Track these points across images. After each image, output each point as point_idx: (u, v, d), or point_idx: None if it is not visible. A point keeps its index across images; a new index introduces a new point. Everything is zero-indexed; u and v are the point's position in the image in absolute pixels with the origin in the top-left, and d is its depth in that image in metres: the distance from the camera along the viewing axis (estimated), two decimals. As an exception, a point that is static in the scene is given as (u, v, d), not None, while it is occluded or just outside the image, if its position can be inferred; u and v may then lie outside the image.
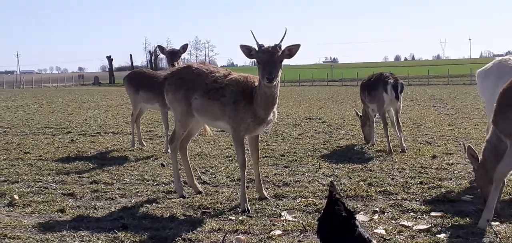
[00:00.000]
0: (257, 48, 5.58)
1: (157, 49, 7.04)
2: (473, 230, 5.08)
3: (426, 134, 12.43)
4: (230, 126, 6.07)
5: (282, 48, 5.53)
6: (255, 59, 5.69)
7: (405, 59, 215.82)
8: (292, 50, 5.57)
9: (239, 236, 4.94)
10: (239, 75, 6.19)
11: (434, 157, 9.17)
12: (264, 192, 6.50)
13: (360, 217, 5.53)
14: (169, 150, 8.25)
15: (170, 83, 6.59)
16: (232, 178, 7.58)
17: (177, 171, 6.75)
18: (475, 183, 6.22)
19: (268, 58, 5.46)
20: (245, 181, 6.11)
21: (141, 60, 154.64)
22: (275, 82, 5.48)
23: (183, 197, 6.54)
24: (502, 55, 7.75)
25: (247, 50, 5.69)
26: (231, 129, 6.07)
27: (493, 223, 5.19)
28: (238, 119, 5.92)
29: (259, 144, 6.46)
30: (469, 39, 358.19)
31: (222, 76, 6.20)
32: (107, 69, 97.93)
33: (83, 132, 13.60)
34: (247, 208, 5.87)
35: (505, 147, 5.15)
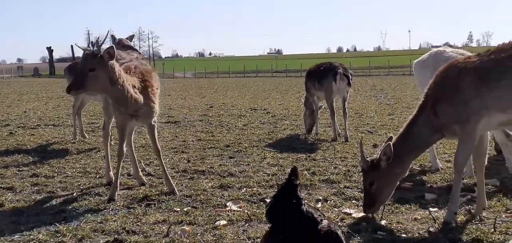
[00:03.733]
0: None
1: (110, 39, 6.79)
2: (413, 216, 5.25)
3: (367, 123, 12.73)
4: None
5: (101, 51, 5.61)
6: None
7: (347, 50, 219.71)
8: (110, 52, 5.64)
9: (184, 228, 4.91)
10: (125, 66, 6.18)
11: (375, 145, 9.40)
12: (142, 176, 6.77)
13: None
14: (112, 142, 8.15)
15: None
16: (177, 169, 7.54)
17: (108, 157, 6.95)
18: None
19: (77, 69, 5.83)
20: (119, 169, 6.27)
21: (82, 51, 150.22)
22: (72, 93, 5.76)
23: (109, 184, 6.60)
24: (439, 46, 8.02)
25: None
26: None
27: (431, 209, 5.37)
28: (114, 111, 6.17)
29: (156, 137, 6.41)
30: (409, 31, 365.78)
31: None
32: (47, 61, 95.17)
33: (22, 125, 13.19)
34: (114, 195, 6.02)
35: (436, 138, 5.26)
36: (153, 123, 6.31)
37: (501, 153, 7.38)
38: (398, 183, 5.31)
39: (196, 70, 77.12)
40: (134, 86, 5.91)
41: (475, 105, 4.77)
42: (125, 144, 6.28)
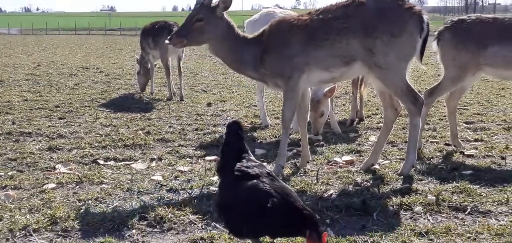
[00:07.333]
0: None
1: None
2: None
3: (202, 83, 12.91)
4: None
5: None
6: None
7: (183, 9, 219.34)
8: None
9: (8, 192, 4.62)
10: None
11: (209, 104, 9.58)
12: None
13: (138, 165, 5.59)
14: None
15: None
16: (0, 132, 7.04)
17: None
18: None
19: None
20: None
21: None
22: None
23: None
24: (270, 7, 8.41)
25: None
26: None
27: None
28: None
29: None
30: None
31: None
32: None
33: None
34: None
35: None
36: None
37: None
38: None
39: (22, 27, 72.13)
40: None
41: (299, 62, 5.03)
42: None
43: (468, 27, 5.90)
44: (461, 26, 5.96)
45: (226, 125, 3.45)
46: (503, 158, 5.79)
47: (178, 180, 5.10)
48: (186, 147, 6.48)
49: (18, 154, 5.93)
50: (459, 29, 5.94)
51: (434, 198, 4.40)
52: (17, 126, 7.45)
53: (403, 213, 4.21)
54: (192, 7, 5.22)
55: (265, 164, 5.35)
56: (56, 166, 5.52)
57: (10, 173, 5.25)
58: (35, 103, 9.46)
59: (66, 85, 12.02)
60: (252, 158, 3.33)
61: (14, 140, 6.71)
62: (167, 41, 5.16)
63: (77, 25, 72.47)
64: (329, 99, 6.82)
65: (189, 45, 5.36)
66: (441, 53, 6.03)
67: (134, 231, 3.88)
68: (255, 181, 3.10)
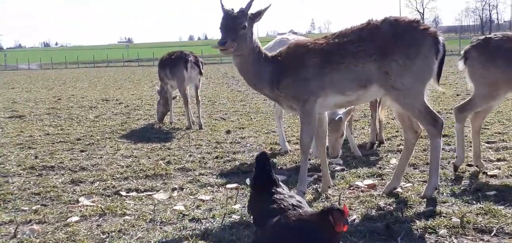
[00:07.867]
0: None
1: None
2: (265, 198, 5.44)
3: (220, 110, 12.96)
4: None
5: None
6: None
7: (199, 38, 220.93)
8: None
9: (33, 227, 4.67)
10: None
11: (228, 132, 9.61)
12: None
13: (160, 196, 5.61)
14: None
15: None
16: (23, 167, 7.13)
17: None
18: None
19: None
20: None
21: None
22: None
23: None
24: (285, 33, 8.47)
25: None
26: None
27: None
28: None
29: None
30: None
31: None
32: None
33: None
34: None
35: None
36: None
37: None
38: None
39: (41, 61, 73.21)
40: None
41: (315, 86, 5.03)
42: None
43: (496, 44, 5.87)
44: (488, 43, 5.94)
45: (254, 157, 3.44)
46: (527, 177, 5.72)
47: (200, 209, 5.11)
48: (206, 175, 6.51)
49: (41, 188, 6.00)
50: (486, 47, 5.92)
51: (459, 220, 4.35)
52: (40, 160, 7.55)
53: (428, 236, 4.17)
54: (223, 14, 5.06)
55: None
56: (79, 199, 5.57)
57: (34, 207, 5.31)
58: (57, 137, 9.57)
59: (86, 118, 12.16)
60: (282, 188, 3.30)
61: (37, 174, 6.79)
62: (218, 44, 4.96)
63: (96, 58, 73.31)
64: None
65: (235, 53, 5.08)
66: (469, 72, 6.00)
67: (158, 262, 3.89)
68: (287, 213, 3.07)
